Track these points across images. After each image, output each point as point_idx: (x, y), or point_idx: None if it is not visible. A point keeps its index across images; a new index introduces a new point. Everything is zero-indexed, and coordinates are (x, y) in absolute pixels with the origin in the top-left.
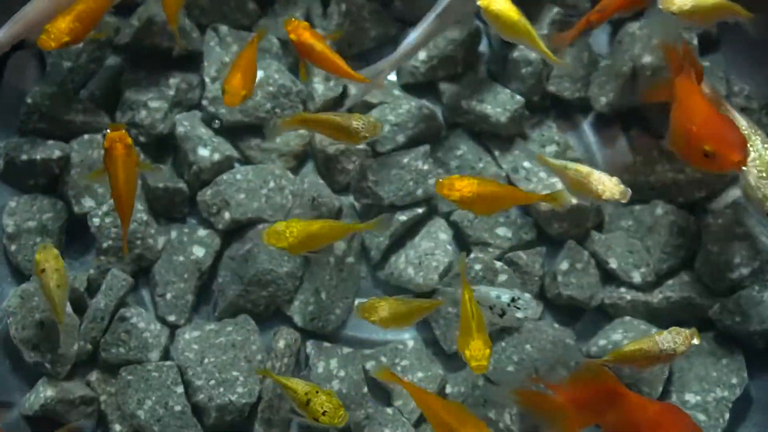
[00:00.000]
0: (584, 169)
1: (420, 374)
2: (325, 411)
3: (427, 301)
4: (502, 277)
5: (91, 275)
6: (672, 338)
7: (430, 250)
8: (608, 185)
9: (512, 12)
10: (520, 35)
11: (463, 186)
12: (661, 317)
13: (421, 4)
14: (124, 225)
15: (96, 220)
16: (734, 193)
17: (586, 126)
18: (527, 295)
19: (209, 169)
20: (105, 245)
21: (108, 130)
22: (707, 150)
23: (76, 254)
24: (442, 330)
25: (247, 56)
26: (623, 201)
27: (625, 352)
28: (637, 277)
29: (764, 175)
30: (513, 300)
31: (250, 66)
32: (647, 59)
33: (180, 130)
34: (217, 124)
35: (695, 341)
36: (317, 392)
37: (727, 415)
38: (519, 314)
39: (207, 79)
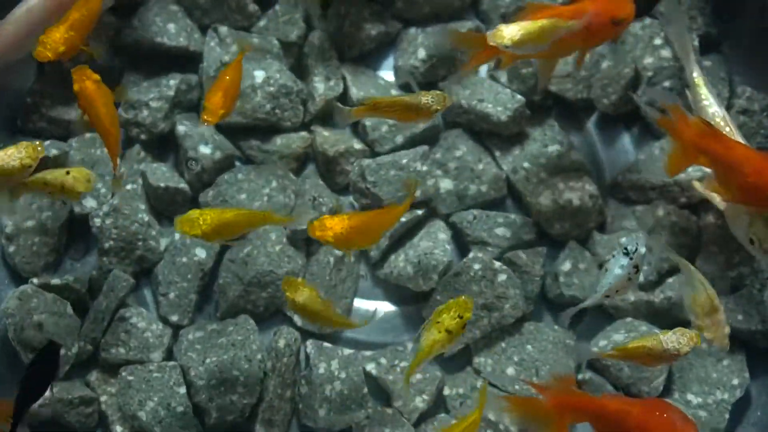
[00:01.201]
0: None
1: (419, 375)
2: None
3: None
4: (502, 277)
5: (93, 276)
6: (677, 338)
7: (429, 250)
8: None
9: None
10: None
11: (335, 224)
12: (662, 316)
13: (421, 4)
14: (114, 156)
15: (97, 221)
16: None
17: (590, 125)
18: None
19: (211, 168)
20: (107, 246)
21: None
22: None
23: (77, 255)
24: None
25: (231, 74)
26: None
27: (629, 349)
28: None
29: None
30: (627, 254)
31: (232, 85)
32: (649, 60)
33: (180, 129)
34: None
35: (698, 343)
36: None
37: (727, 416)
38: (642, 250)
39: (205, 80)
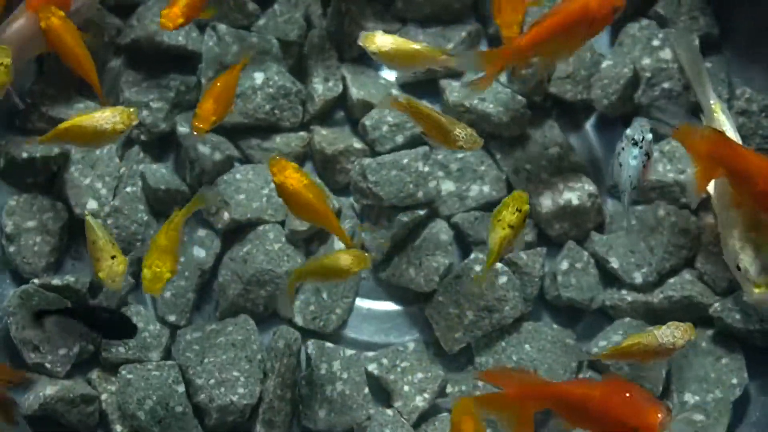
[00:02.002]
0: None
1: (420, 375)
2: None
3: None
4: (502, 279)
5: (94, 277)
6: (671, 332)
7: (431, 251)
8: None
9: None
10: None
11: (294, 176)
12: (662, 317)
13: (421, 4)
14: (96, 86)
15: (98, 221)
16: None
17: (589, 127)
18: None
19: (211, 169)
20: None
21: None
22: None
23: (78, 255)
24: (442, 331)
25: (226, 82)
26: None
27: (624, 347)
28: (638, 278)
29: (751, 227)
30: (636, 143)
31: (226, 92)
32: (647, 61)
33: (181, 129)
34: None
35: (693, 337)
36: None
37: (727, 416)
38: (648, 136)
39: (203, 80)
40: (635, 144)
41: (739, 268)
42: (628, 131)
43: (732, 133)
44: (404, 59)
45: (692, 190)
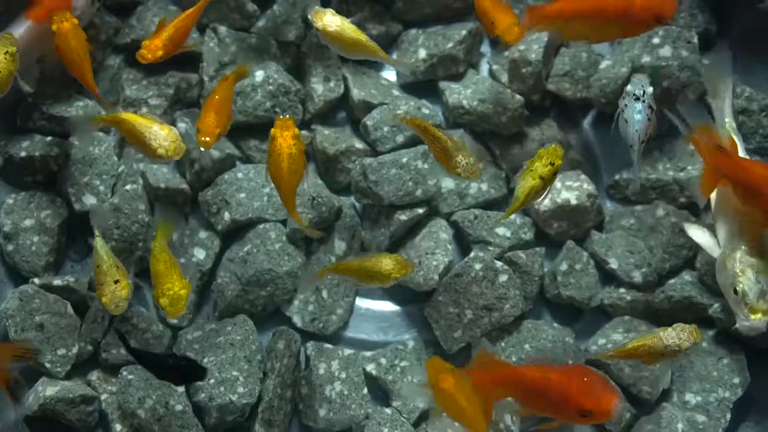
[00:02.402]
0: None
1: (419, 375)
2: None
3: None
4: (503, 277)
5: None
6: (677, 334)
7: (431, 250)
8: None
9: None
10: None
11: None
12: (662, 316)
13: (422, 4)
14: (94, 90)
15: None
16: None
17: (586, 125)
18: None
19: (211, 167)
20: (109, 246)
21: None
22: None
23: (77, 255)
24: (442, 330)
25: (222, 93)
26: None
27: (629, 349)
28: (638, 277)
29: (753, 252)
30: (638, 98)
31: (224, 104)
32: (647, 59)
33: (180, 126)
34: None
35: (699, 339)
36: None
37: (728, 416)
38: (649, 89)
39: (205, 78)
40: (637, 99)
41: (736, 292)
42: (629, 87)
43: (741, 153)
44: (345, 44)
45: (697, 193)
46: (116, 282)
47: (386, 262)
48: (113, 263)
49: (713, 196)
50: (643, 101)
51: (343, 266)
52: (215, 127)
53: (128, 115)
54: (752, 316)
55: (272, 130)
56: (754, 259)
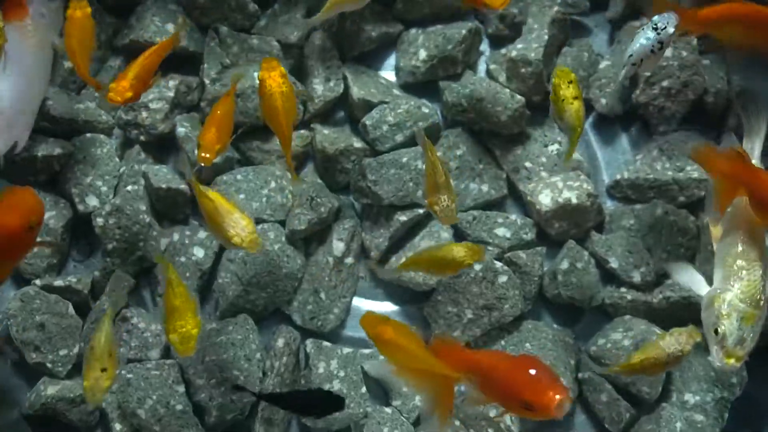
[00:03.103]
0: None
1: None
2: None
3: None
4: (502, 278)
5: (96, 277)
6: (676, 340)
7: None
8: None
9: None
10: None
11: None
12: (662, 316)
13: (421, 5)
14: (88, 80)
15: (100, 220)
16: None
17: (587, 125)
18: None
19: (209, 169)
20: (110, 247)
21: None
22: None
23: (80, 256)
24: (441, 329)
25: (223, 108)
26: None
27: (635, 364)
28: (637, 277)
29: (743, 298)
30: (656, 29)
31: (225, 119)
32: None
33: (180, 130)
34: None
35: (698, 339)
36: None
37: (726, 415)
38: (670, 30)
39: (206, 81)
40: (654, 29)
41: (716, 332)
42: (656, 17)
43: None
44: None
45: (711, 208)
46: (103, 370)
47: (458, 250)
48: (107, 350)
49: (717, 234)
50: (658, 33)
51: (416, 259)
52: (216, 143)
53: (214, 195)
54: (726, 360)
55: (260, 72)
56: (743, 306)
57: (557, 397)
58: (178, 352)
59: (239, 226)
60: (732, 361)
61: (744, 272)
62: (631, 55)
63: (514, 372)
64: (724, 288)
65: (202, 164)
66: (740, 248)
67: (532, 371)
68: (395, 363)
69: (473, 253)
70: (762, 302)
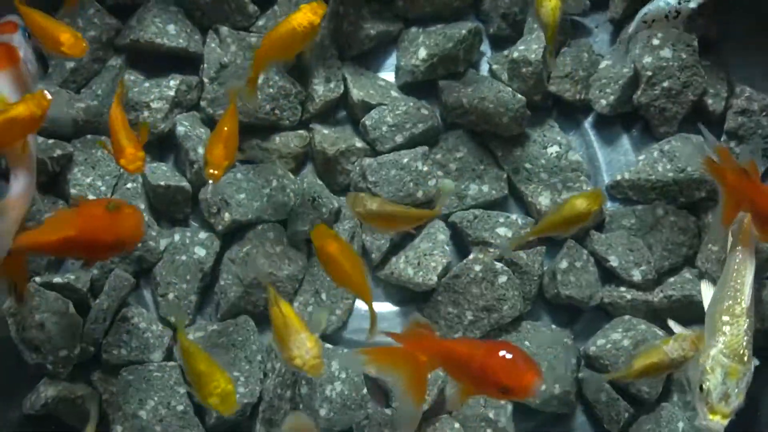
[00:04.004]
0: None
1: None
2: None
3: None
4: (502, 279)
5: (95, 276)
6: (679, 345)
7: (429, 251)
8: None
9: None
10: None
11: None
12: (662, 315)
13: (422, 3)
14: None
15: None
16: None
17: (587, 126)
18: None
19: None
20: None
21: None
22: None
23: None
24: (442, 331)
25: (228, 123)
26: None
27: (638, 369)
28: (637, 276)
29: (726, 353)
30: None
31: (231, 134)
32: (648, 60)
33: (180, 129)
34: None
35: (701, 344)
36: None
37: (752, 367)
38: (692, 5)
39: (206, 80)
40: (667, 17)
41: (701, 389)
42: None
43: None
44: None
45: (718, 222)
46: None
47: (579, 202)
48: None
49: (706, 293)
50: (679, 2)
51: (542, 226)
52: (224, 159)
53: (287, 309)
54: (710, 416)
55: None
56: (727, 361)
57: (534, 380)
58: (222, 413)
59: (304, 347)
60: (717, 418)
61: (727, 327)
62: (646, 13)
63: (488, 358)
64: (709, 344)
65: (210, 181)
66: (726, 303)
67: (507, 356)
68: (333, 279)
69: (595, 197)
70: (746, 357)
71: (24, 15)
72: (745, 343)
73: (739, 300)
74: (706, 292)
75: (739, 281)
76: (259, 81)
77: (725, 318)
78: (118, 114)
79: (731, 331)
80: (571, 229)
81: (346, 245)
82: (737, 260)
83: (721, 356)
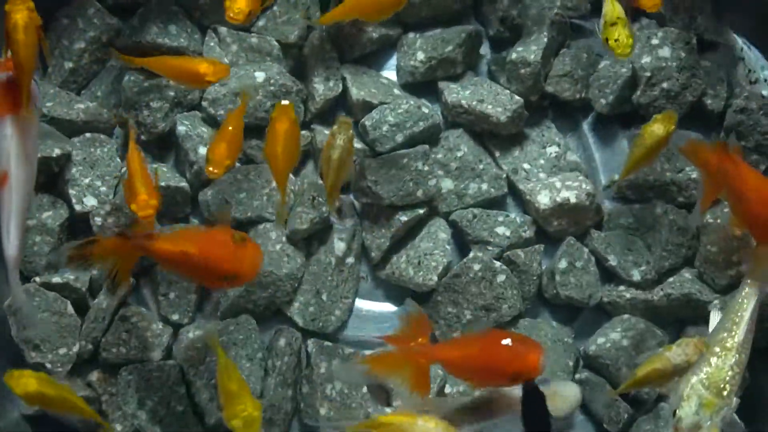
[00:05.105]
0: None
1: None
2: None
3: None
4: (501, 278)
5: (94, 276)
6: (682, 351)
7: (430, 250)
8: None
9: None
10: None
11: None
12: (661, 315)
13: (420, 7)
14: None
15: (98, 220)
16: None
17: (585, 126)
18: None
19: None
20: None
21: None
22: None
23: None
24: (442, 330)
25: (233, 123)
26: None
27: (642, 377)
28: (636, 275)
29: (706, 384)
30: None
31: (235, 134)
32: (647, 60)
33: (180, 129)
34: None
35: (704, 350)
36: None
37: (734, 403)
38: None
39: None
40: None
41: (674, 414)
42: None
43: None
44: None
45: (697, 207)
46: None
47: (656, 128)
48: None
49: (713, 321)
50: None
51: (631, 164)
52: (225, 158)
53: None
54: None
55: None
56: (705, 392)
57: (539, 358)
58: None
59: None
60: None
61: (714, 359)
62: None
63: (489, 353)
64: (694, 371)
65: (211, 179)
66: (720, 335)
67: (505, 343)
68: (266, 147)
69: (668, 120)
70: (726, 393)
71: (151, 67)
72: (728, 378)
73: (733, 333)
74: (714, 319)
75: (739, 314)
76: (261, 80)
77: (716, 349)
78: (136, 156)
79: (717, 364)
80: (655, 158)
81: (295, 135)
82: (742, 294)
83: (699, 386)
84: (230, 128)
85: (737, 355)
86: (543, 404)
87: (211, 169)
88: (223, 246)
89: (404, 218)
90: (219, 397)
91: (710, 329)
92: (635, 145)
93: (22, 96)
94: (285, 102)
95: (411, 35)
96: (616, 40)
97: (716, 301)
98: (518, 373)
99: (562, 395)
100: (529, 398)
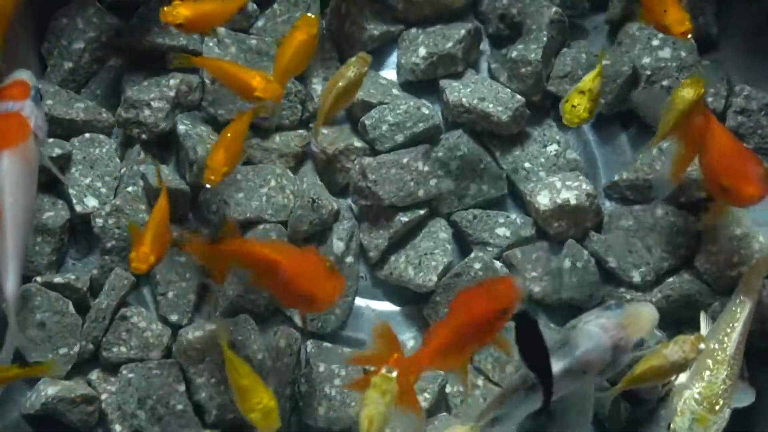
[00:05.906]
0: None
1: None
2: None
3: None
4: None
5: (94, 275)
6: (679, 348)
7: (430, 250)
8: None
9: None
10: None
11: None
12: (662, 315)
13: (421, 5)
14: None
15: (99, 221)
16: None
17: (586, 126)
18: None
19: None
20: (109, 245)
21: None
22: (724, 185)
23: (78, 254)
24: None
25: (236, 132)
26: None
27: (638, 375)
28: (636, 277)
29: (699, 399)
30: None
31: (236, 142)
32: (647, 60)
33: (181, 128)
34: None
35: (702, 346)
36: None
37: (727, 415)
38: None
39: (207, 80)
40: None
41: (668, 428)
42: None
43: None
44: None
45: (668, 174)
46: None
47: (686, 92)
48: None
49: (704, 326)
50: None
51: (664, 129)
52: (223, 165)
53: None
54: None
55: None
56: (698, 408)
57: (512, 285)
58: (263, 430)
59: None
60: None
61: (707, 372)
62: None
63: (466, 317)
64: (687, 384)
65: (208, 185)
66: (712, 347)
67: (474, 296)
68: (278, 54)
69: (697, 83)
70: (719, 407)
71: (208, 68)
72: (720, 392)
73: (724, 346)
74: (704, 325)
75: (731, 325)
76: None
77: (708, 362)
78: (162, 209)
79: (709, 379)
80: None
81: (309, 47)
82: (735, 305)
83: (692, 402)
84: (229, 135)
85: (729, 369)
86: (536, 329)
87: (209, 176)
88: (315, 268)
89: (405, 219)
90: (232, 393)
91: (702, 333)
92: (666, 111)
93: None
94: (311, 14)
95: (413, 31)
96: (573, 107)
97: (703, 313)
98: (500, 310)
99: (643, 314)
100: (521, 327)
